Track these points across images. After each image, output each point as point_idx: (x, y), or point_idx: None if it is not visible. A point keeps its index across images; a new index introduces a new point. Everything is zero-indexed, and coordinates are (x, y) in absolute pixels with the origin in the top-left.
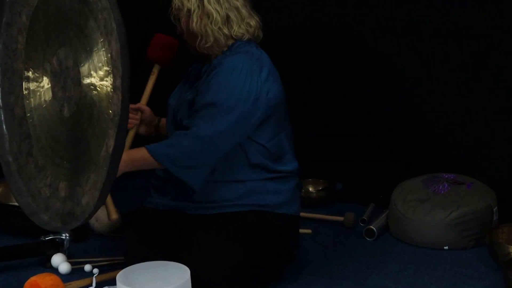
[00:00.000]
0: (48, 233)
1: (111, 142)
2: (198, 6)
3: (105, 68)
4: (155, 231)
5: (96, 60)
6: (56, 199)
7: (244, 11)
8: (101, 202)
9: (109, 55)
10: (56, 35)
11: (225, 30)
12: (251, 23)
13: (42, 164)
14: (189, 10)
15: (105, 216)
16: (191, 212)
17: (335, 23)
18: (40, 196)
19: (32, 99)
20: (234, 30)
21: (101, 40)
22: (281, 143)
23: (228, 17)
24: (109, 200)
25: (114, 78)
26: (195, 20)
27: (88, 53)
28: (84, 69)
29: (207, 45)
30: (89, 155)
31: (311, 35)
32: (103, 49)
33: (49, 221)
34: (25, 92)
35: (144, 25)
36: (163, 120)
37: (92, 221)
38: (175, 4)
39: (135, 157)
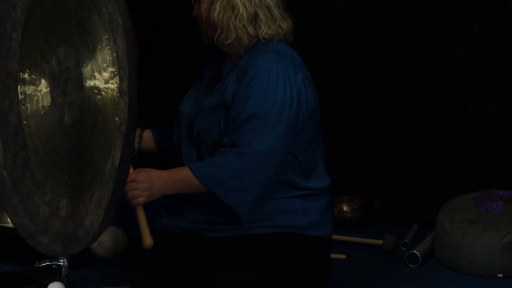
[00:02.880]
0: (43, 258)
1: (118, 154)
2: None
3: (110, 69)
4: (166, 256)
5: (100, 60)
6: (56, 219)
7: (276, 12)
8: (106, 223)
9: (115, 54)
10: (55, 32)
11: (250, 29)
12: (283, 26)
13: (41, 179)
14: None
15: (109, 239)
16: (209, 235)
17: (374, 20)
18: (38, 215)
19: (28, 105)
20: (262, 31)
21: (106, 37)
22: (313, 155)
23: (256, 15)
24: (143, 222)
25: (121, 80)
26: (217, 10)
27: (91, 52)
28: (86, 70)
29: (227, 42)
30: (93, 169)
31: (344, 33)
32: (108, 47)
33: (48, 244)
34: (20, 96)
35: (154, 18)
36: (147, 132)
37: (94, 245)
38: None
39: (176, 177)
